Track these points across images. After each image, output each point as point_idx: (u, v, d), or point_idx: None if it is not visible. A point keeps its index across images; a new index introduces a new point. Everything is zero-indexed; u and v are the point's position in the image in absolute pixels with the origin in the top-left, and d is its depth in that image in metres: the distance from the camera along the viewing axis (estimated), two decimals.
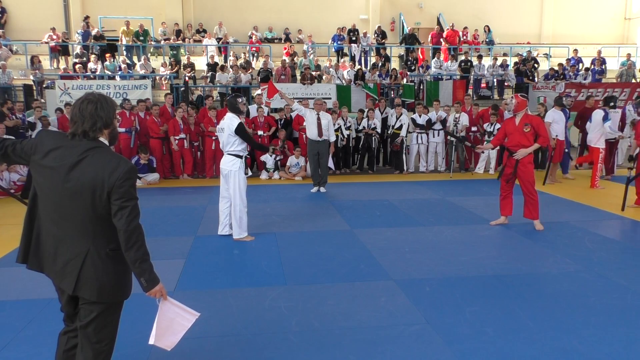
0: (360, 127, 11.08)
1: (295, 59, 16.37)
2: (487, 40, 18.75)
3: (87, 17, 17.09)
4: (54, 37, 16.28)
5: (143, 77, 14.06)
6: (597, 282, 4.60)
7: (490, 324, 3.74)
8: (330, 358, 3.28)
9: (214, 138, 10.29)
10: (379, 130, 11.12)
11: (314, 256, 5.34)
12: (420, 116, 11.08)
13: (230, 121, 5.80)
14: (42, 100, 12.75)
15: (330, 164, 9.16)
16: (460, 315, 3.89)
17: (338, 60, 16.96)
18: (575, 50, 17.35)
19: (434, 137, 11.15)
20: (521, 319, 3.82)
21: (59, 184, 2.29)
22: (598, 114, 9.29)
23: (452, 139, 10.47)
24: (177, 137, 10.07)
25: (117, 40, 16.62)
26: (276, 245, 5.72)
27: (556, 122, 9.44)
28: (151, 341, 2.65)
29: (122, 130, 10.15)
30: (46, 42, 16.11)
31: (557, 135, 9.48)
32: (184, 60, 15.94)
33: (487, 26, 18.76)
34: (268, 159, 10.36)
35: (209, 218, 7.02)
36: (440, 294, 4.31)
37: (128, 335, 3.54)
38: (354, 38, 17.53)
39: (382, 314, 3.92)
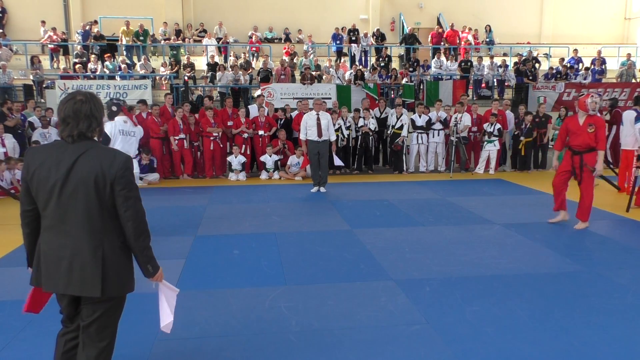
0: (360, 126, 11.05)
1: (295, 59, 16.36)
2: (487, 40, 18.72)
3: (94, 22, 17.08)
4: (54, 37, 16.26)
5: (143, 77, 14.06)
6: (597, 282, 4.60)
7: (490, 324, 3.73)
8: (330, 358, 3.28)
9: (211, 138, 10.31)
10: (371, 127, 11.03)
11: (314, 256, 5.34)
12: (420, 116, 11.08)
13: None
14: (42, 100, 12.77)
15: (338, 161, 9.13)
16: (460, 315, 3.88)
17: (338, 60, 16.92)
18: (575, 50, 17.33)
19: (434, 137, 11.16)
20: (521, 319, 3.82)
21: (61, 190, 2.29)
22: (630, 115, 8.56)
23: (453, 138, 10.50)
24: (177, 137, 10.07)
25: (117, 40, 16.62)
26: (276, 245, 5.72)
27: None
28: (166, 329, 2.81)
29: None
30: (48, 42, 16.10)
31: None
32: (184, 60, 15.94)
33: (489, 25, 18.73)
34: (267, 159, 10.37)
35: (209, 218, 7.03)
36: (440, 294, 4.31)
37: (128, 335, 3.54)
38: (354, 38, 17.53)
39: (382, 314, 3.92)
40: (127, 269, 2.46)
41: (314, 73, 14.42)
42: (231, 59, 16.13)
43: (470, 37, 18.35)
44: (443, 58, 16.04)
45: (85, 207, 2.30)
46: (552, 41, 20.58)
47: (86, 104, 2.35)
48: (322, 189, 8.91)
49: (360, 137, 11.01)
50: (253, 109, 11.18)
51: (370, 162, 11.34)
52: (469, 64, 15.93)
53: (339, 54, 17.83)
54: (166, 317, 2.77)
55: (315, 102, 8.98)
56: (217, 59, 16.46)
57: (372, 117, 11.19)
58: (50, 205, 2.32)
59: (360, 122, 11.02)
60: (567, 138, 6.44)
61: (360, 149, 11.11)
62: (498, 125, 10.78)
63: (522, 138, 10.91)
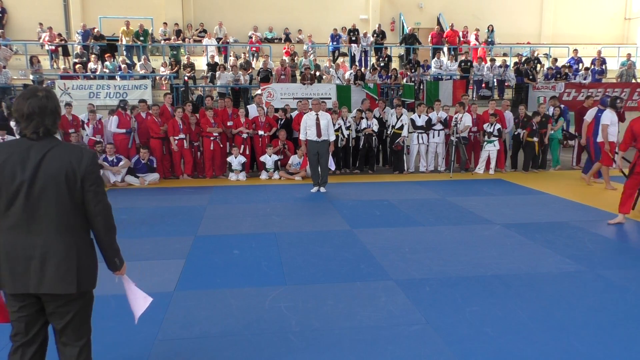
0: (363, 127, 11.02)
1: (295, 59, 16.37)
2: (488, 40, 18.71)
3: (93, 28, 17.04)
4: (50, 36, 16.24)
5: (143, 77, 14.06)
6: (597, 282, 4.60)
7: (490, 324, 3.73)
8: (330, 358, 3.28)
9: (211, 138, 10.30)
10: (374, 129, 11.03)
11: (314, 256, 5.34)
12: (419, 116, 11.07)
13: None
14: None
15: (331, 164, 9.13)
16: (460, 315, 3.88)
17: (334, 60, 16.88)
18: (575, 50, 17.33)
19: (434, 137, 11.15)
20: (521, 319, 3.82)
21: (29, 189, 2.24)
22: None
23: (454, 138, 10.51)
24: (177, 138, 10.06)
25: (117, 40, 16.61)
26: (276, 245, 5.72)
27: (613, 125, 8.74)
28: (137, 317, 2.82)
29: (121, 131, 10.15)
30: (48, 43, 16.10)
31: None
32: (184, 60, 15.94)
33: (491, 25, 18.70)
34: (267, 159, 10.37)
35: (209, 218, 7.03)
36: (440, 294, 4.31)
37: (128, 335, 3.54)
38: (353, 38, 17.52)
39: (382, 314, 3.92)
40: (95, 263, 2.47)
41: (314, 73, 14.43)
42: (231, 59, 16.12)
43: (472, 37, 18.36)
44: (443, 58, 16.03)
45: (56, 204, 2.28)
46: (552, 41, 20.59)
47: (51, 100, 2.32)
48: (322, 189, 8.91)
49: (363, 138, 11.00)
50: (252, 109, 11.17)
51: (372, 162, 11.32)
52: (469, 64, 15.92)
53: (334, 54, 17.77)
54: (141, 305, 2.81)
55: (313, 102, 8.97)
56: (217, 59, 16.46)
57: (374, 118, 11.17)
58: (16, 205, 2.25)
59: (364, 124, 11.00)
60: (633, 140, 6.51)
61: (362, 149, 11.11)
62: (498, 126, 10.77)
63: (535, 138, 10.89)
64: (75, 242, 2.36)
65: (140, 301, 2.80)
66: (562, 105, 11.88)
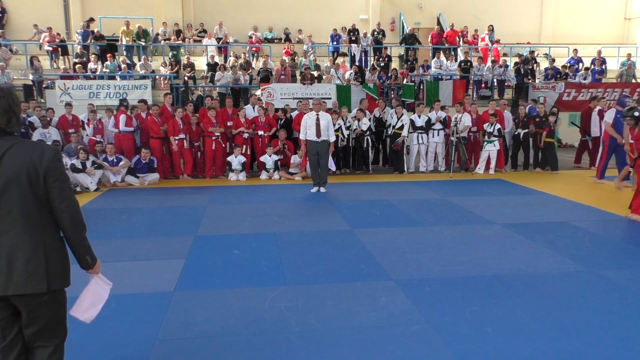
0: (354, 128, 11.01)
1: (295, 59, 16.37)
2: (490, 39, 18.69)
3: (91, 20, 17.01)
4: (49, 37, 16.24)
5: (143, 77, 14.06)
6: (597, 282, 4.60)
7: (490, 324, 3.73)
8: (330, 358, 3.28)
9: (213, 138, 10.31)
10: (363, 128, 11.00)
11: (314, 256, 5.34)
12: (419, 116, 11.07)
13: None
14: (42, 100, 12.78)
15: (331, 164, 9.13)
16: (460, 315, 3.88)
17: (334, 61, 16.88)
18: (575, 50, 17.33)
19: (433, 137, 11.15)
20: (521, 319, 3.82)
21: None
22: None
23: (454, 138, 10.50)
24: (177, 138, 10.06)
25: (117, 40, 16.61)
26: (276, 245, 5.72)
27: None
28: (74, 313, 2.63)
29: (128, 129, 10.16)
30: (47, 43, 16.10)
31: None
32: (184, 60, 15.94)
33: (491, 25, 18.68)
34: (267, 159, 10.37)
35: (209, 218, 7.03)
36: (440, 294, 4.31)
37: (128, 335, 3.54)
38: (353, 38, 17.52)
39: (382, 314, 3.92)
40: (66, 261, 2.42)
41: (314, 73, 14.42)
42: (231, 59, 16.12)
43: (485, 37, 18.40)
44: (443, 58, 16.03)
45: (20, 203, 2.24)
46: (552, 41, 20.60)
47: (3, 98, 2.28)
48: (322, 189, 8.90)
49: (354, 138, 10.98)
50: (248, 109, 11.18)
51: (367, 162, 11.29)
52: (468, 64, 15.92)
53: (334, 54, 17.76)
54: (87, 310, 2.65)
55: (314, 102, 8.98)
56: (217, 59, 16.46)
57: (366, 117, 11.14)
58: None
59: (354, 124, 10.99)
60: None
61: (354, 149, 11.09)
62: (498, 126, 10.77)
63: (556, 140, 10.93)
64: (43, 240, 2.30)
65: (82, 308, 2.64)
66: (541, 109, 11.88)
